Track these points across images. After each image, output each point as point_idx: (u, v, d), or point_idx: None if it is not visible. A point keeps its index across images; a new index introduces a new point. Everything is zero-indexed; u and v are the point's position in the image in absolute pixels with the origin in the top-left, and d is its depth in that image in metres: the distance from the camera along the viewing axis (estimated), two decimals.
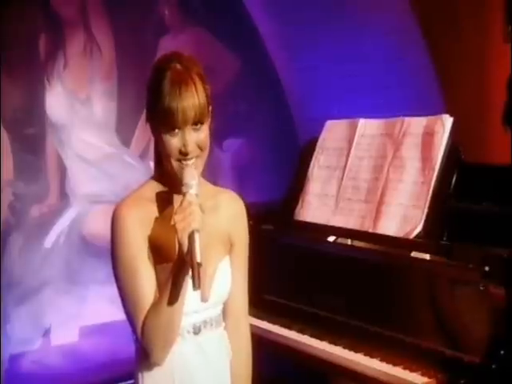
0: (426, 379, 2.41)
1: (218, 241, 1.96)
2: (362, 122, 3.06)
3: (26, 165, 4.31)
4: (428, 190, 2.72)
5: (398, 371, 2.49)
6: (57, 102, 4.43)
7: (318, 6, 4.62)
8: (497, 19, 4.33)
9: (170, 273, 1.78)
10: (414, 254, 2.66)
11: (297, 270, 3.02)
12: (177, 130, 1.83)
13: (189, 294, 1.80)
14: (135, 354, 1.93)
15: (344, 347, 2.69)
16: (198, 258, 1.70)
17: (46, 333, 4.34)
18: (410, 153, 2.82)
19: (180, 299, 1.79)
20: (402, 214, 2.76)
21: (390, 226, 2.78)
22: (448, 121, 2.78)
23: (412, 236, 2.70)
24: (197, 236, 1.71)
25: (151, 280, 1.85)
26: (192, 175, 1.81)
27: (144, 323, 1.82)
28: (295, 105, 5.02)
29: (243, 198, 2.07)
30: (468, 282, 2.40)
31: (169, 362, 1.88)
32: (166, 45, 4.63)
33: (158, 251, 1.87)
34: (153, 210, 1.89)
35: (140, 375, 1.92)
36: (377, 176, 2.90)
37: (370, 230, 2.83)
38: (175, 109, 1.81)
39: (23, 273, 4.27)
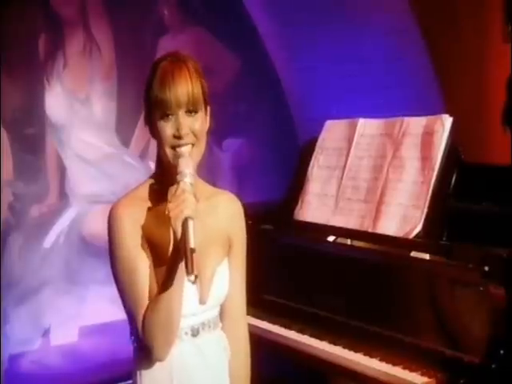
0: (425, 379, 2.41)
1: (217, 242, 1.96)
2: (361, 121, 3.06)
3: (26, 165, 4.30)
4: (428, 190, 2.72)
5: (397, 371, 2.49)
6: (56, 102, 4.43)
7: (317, 7, 4.63)
8: (496, 19, 4.34)
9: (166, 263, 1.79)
10: (413, 253, 2.66)
11: (296, 270, 3.02)
12: (170, 116, 1.83)
13: (187, 296, 1.81)
14: (133, 355, 1.93)
15: (344, 347, 2.69)
16: (192, 244, 1.69)
17: (46, 333, 4.34)
18: (410, 153, 2.82)
19: (178, 298, 1.79)
20: (402, 213, 2.76)
21: (390, 225, 2.78)
22: (447, 121, 2.78)
23: (412, 236, 2.70)
24: (190, 223, 1.71)
25: (149, 277, 1.85)
26: (187, 164, 1.81)
27: (144, 320, 1.82)
28: (295, 105, 5.02)
29: (242, 199, 2.06)
30: (468, 282, 2.40)
31: (167, 363, 1.88)
32: (166, 45, 4.62)
33: (155, 249, 1.87)
34: (149, 209, 1.89)
35: (138, 376, 1.91)
36: (376, 176, 2.90)
37: (370, 230, 2.83)
38: (168, 92, 1.82)
39: (23, 273, 4.26)
